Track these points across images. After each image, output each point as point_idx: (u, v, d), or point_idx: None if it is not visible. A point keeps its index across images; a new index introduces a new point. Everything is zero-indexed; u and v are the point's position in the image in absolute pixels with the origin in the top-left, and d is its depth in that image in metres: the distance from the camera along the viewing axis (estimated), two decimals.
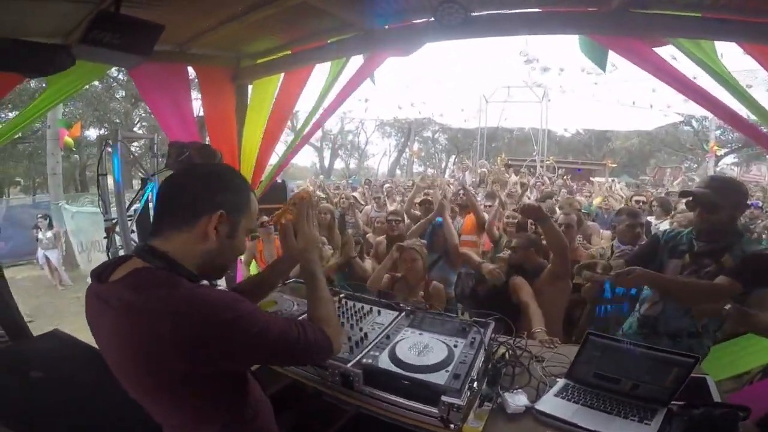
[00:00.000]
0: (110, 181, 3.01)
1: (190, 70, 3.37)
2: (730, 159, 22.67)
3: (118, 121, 13.52)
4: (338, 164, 28.54)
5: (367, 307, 1.68)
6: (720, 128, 21.37)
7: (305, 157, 27.58)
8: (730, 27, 1.90)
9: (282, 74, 3.34)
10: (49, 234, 7.16)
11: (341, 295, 1.81)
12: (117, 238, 2.87)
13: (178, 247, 0.87)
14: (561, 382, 1.40)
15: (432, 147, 29.88)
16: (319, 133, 24.92)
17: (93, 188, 2.91)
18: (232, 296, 0.86)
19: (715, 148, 18.12)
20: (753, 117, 2.27)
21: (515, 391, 1.32)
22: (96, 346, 0.91)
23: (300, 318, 0.98)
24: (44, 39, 1.84)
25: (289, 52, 3.09)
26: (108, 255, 2.85)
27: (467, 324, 1.48)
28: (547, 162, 13.43)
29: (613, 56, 2.46)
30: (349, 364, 1.25)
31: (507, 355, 1.47)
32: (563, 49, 8.11)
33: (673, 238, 1.93)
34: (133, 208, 2.99)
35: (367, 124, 26.10)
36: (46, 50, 1.51)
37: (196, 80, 3.50)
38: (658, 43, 2.21)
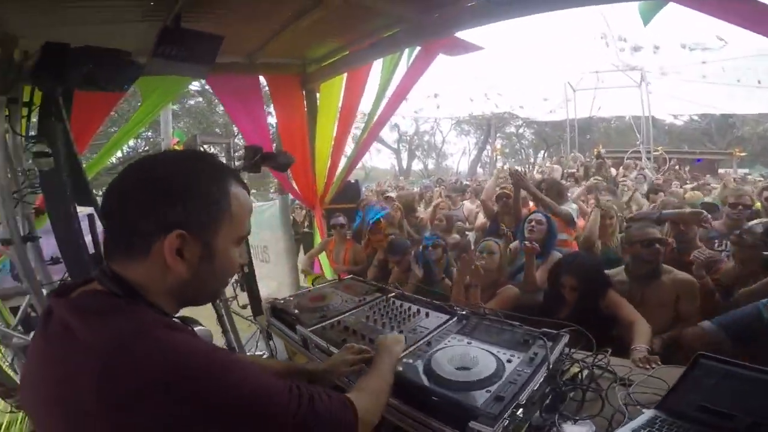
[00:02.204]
0: None
1: (262, 80, 3.61)
2: None
3: (219, 131, 15.15)
4: (416, 165, 28.50)
5: (414, 308, 1.52)
6: None
7: (384, 160, 27.94)
8: None
9: (345, 75, 3.43)
10: None
11: (390, 295, 1.72)
12: None
13: (138, 276, 0.65)
14: (648, 413, 1.09)
15: (517, 143, 28.26)
16: (395, 135, 25.19)
17: None
18: (208, 348, 0.63)
19: None
20: None
21: (580, 421, 1.07)
22: None
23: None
24: None
25: (347, 52, 3.14)
26: None
27: (532, 335, 1.22)
28: (656, 152, 11.74)
29: (722, 30, 1.99)
30: None
31: (581, 376, 1.21)
32: (652, 23, 6.88)
33: None
34: None
35: (442, 123, 25.69)
36: (119, 60, 1.68)
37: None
38: None
